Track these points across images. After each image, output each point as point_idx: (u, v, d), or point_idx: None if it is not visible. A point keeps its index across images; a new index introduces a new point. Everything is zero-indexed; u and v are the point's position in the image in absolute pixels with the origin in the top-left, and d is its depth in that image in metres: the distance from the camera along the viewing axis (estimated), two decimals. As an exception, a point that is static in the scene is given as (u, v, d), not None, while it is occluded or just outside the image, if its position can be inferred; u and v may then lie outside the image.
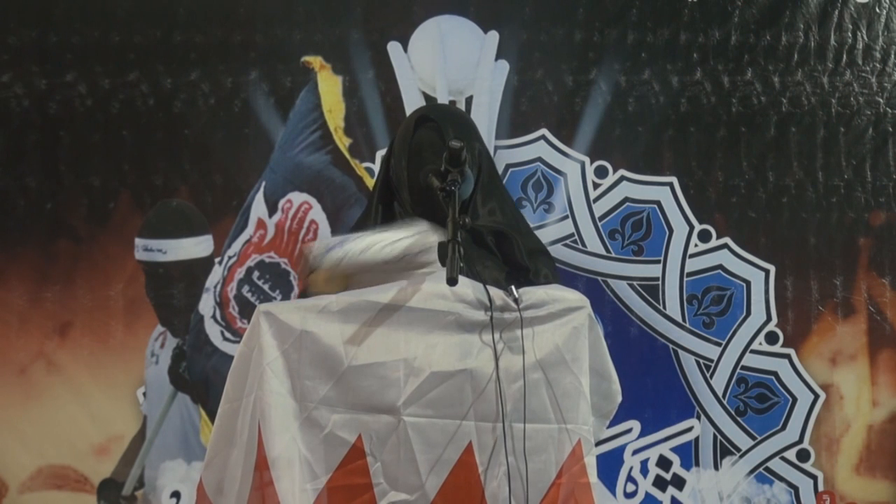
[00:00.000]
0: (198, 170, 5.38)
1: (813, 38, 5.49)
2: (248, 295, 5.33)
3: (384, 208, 3.11)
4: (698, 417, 5.37)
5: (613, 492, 5.32)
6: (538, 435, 2.89)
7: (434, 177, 2.95)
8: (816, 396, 5.40)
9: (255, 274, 5.35)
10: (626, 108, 5.45)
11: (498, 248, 3.06)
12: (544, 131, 5.44)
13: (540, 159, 5.43)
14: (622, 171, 5.44)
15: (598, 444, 3.02)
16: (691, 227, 5.44)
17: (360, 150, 5.39)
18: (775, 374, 5.40)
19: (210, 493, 3.00)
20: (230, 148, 5.39)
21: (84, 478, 5.30)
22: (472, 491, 2.86)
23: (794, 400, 5.40)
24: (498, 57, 5.43)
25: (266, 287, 5.33)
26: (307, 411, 2.87)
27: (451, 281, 2.79)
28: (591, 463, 2.92)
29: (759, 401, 5.39)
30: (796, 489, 5.38)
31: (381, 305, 2.90)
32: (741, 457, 5.37)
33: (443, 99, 5.38)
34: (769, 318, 5.41)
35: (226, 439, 2.97)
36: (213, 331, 5.33)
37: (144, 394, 5.34)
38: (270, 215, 5.36)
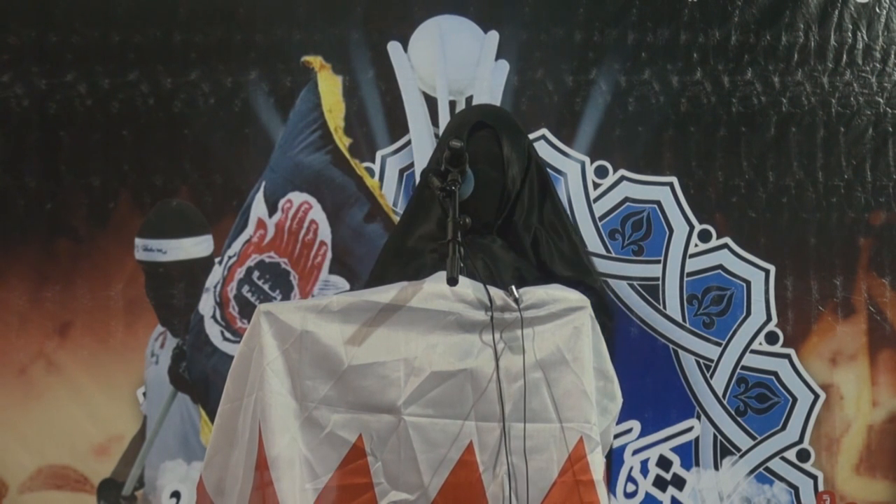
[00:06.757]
0: (198, 170, 5.38)
1: (813, 38, 5.49)
2: (248, 295, 5.33)
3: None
4: (698, 417, 5.37)
5: (614, 492, 5.32)
6: (539, 434, 2.89)
7: (434, 176, 2.96)
8: (816, 396, 5.40)
9: (255, 274, 5.34)
10: (626, 108, 5.45)
11: (534, 252, 3.09)
12: (544, 131, 5.44)
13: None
14: (622, 171, 5.44)
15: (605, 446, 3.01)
16: (691, 227, 5.43)
17: (360, 149, 5.39)
18: (775, 374, 5.40)
19: (210, 492, 3.01)
20: (230, 148, 5.39)
21: (84, 478, 5.30)
22: (473, 490, 2.86)
23: (794, 400, 5.40)
24: (498, 57, 5.43)
25: (266, 287, 5.33)
26: (308, 411, 2.87)
27: (452, 281, 2.80)
28: (594, 460, 2.91)
29: (759, 401, 5.39)
30: (796, 489, 5.37)
31: (382, 305, 2.90)
32: (741, 457, 5.37)
33: (443, 99, 5.38)
34: (769, 318, 5.41)
35: (226, 439, 2.98)
36: (213, 331, 5.33)
37: (144, 394, 5.34)
38: (270, 215, 5.36)
